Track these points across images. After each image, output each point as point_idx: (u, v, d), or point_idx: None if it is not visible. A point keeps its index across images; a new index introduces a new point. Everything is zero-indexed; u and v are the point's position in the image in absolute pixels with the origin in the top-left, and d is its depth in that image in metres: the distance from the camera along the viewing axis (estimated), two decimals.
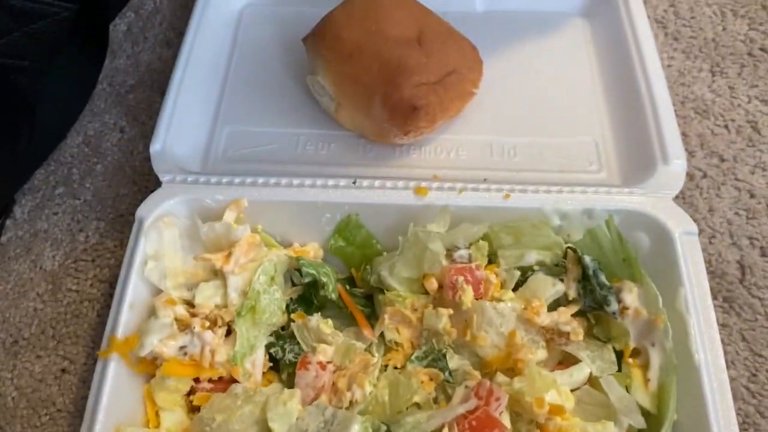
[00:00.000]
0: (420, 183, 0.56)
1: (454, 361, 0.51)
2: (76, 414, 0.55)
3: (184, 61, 0.64)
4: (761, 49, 0.72)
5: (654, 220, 0.53)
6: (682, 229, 0.52)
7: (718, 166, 0.65)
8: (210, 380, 0.50)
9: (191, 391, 0.51)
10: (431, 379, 0.50)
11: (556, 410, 0.46)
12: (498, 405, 0.46)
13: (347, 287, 0.56)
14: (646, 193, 0.55)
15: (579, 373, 0.49)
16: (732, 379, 0.53)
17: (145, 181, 0.66)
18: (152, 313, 0.51)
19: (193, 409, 0.51)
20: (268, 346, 0.53)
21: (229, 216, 0.55)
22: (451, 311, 0.51)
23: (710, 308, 0.50)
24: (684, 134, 0.66)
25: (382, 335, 0.53)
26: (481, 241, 0.54)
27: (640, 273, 0.52)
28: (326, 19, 0.61)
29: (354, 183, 0.56)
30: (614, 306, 0.50)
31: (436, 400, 0.49)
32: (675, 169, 0.56)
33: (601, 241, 0.53)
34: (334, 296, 0.54)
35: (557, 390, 0.47)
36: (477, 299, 0.51)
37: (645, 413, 0.48)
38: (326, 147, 0.62)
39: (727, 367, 0.49)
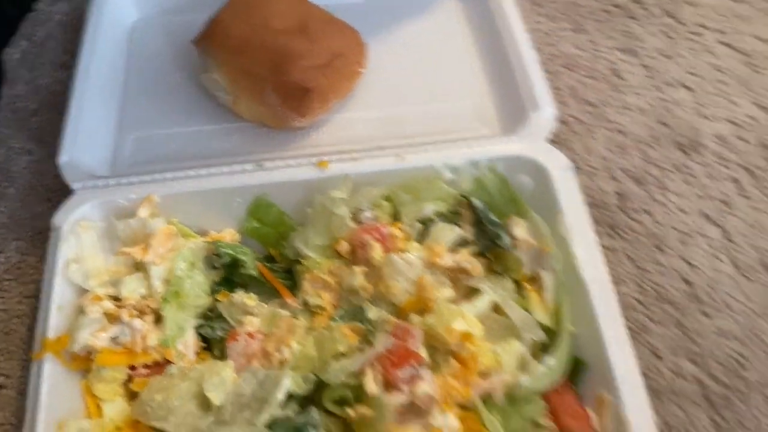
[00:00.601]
0: (321, 158, 0.60)
1: (372, 313, 0.54)
2: (19, 425, 0.55)
3: (82, 76, 0.65)
4: (614, 5, 0.80)
5: (531, 161, 0.59)
6: (557, 165, 0.58)
7: (590, 112, 0.72)
8: (146, 366, 0.52)
9: (129, 380, 0.53)
10: (354, 332, 0.54)
11: (466, 337, 0.50)
12: (414, 340, 0.50)
13: (267, 264, 0.59)
14: (522, 139, 0.61)
15: (482, 302, 0.53)
16: (623, 294, 0.59)
17: (59, 197, 0.66)
18: (80, 312, 0.53)
19: (134, 396, 0.52)
20: (198, 328, 0.55)
21: (143, 213, 0.57)
22: (365, 269, 0.55)
23: (589, 230, 0.56)
24: (556, 88, 0.72)
25: (306, 303, 0.56)
26: (383, 202, 0.59)
27: (525, 209, 0.57)
28: (213, 20, 0.64)
29: (260, 166, 0.60)
30: (506, 240, 0.55)
31: (361, 351, 0.53)
32: (545, 114, 0.62)
33: (488, 186, 0.59)
34: (254, 272, 0.57)
35: (465, 318, 0.51)
36: (386, 254, 0.55)
37: (546, 330, 0.53)
38: (229, 140, 0.65)
39: (618, 284, 0.55)
